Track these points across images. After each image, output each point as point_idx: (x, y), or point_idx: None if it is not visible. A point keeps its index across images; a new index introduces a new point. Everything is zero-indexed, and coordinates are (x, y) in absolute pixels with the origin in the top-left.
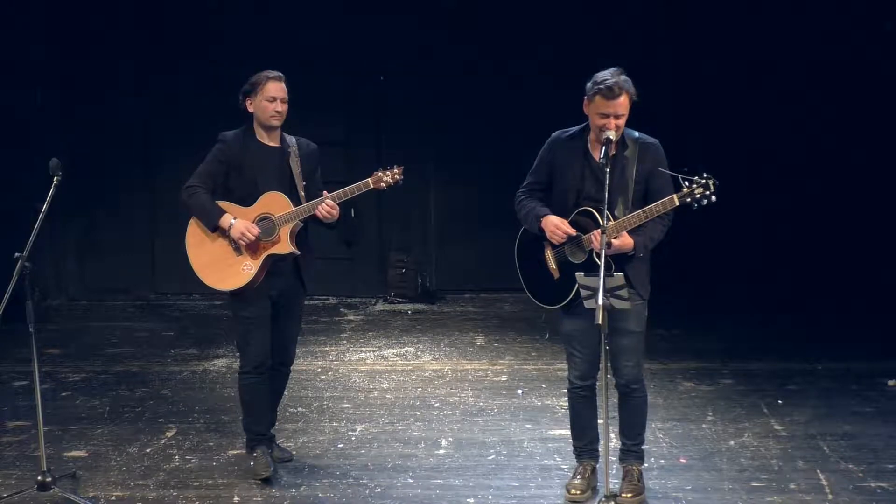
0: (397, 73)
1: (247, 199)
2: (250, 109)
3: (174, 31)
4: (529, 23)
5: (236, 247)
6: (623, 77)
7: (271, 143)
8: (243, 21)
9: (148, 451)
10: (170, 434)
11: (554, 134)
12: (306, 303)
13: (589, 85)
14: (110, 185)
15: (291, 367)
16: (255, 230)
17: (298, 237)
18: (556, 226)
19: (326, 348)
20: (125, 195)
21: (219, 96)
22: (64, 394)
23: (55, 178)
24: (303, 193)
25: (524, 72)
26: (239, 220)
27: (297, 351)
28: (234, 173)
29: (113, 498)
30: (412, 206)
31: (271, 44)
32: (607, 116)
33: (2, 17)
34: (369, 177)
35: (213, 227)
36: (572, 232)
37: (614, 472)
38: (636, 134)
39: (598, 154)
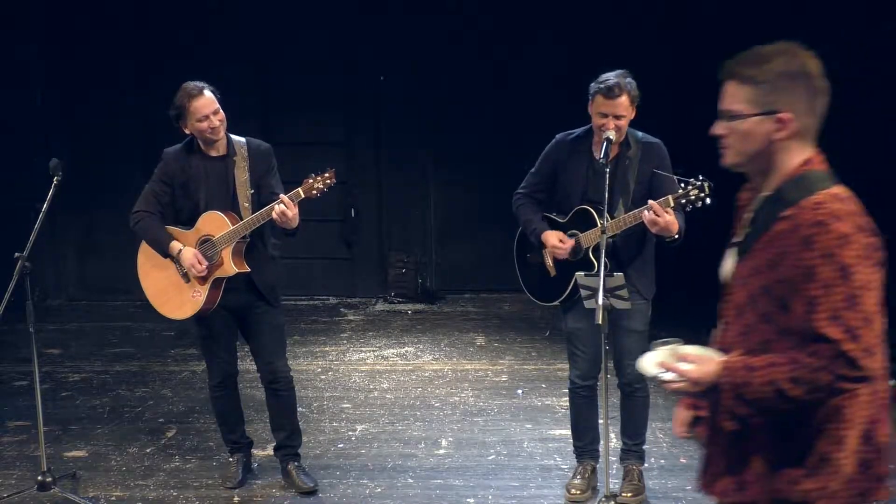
0: (397, 73)
1: (193, 220)
2: (188, 132)
3: (174, 30)
4: (529, 23)
5: (184, 273)
6: (627, 79)
7: (215, 153)
8: (244, 21)
9: (148, 451)
10: (170, 434)
11: (558, 136)
12: (307, 303)
13: (592, 85)
14: (110, 185)
15: (290, 384)
16: (204, 263)
17: (251, 247)
18: (555, 245)
19: (326, 348)
20: (125, 195)
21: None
22: (64, 394)
23: (55, 178)
24: (246, 205)
25: (524, 72)
26: (186, 249)
27: (297, 351)
28: (178, 192)
29: (113, 498)
30: (412, 206)
31: (271, 44)
32: (606, 116)
33: (1, 17)
34: (300, 185)
35: (165, 254)
36: (571, 244)
37: (614, 472)
38: (639, 134)
39: (599, 154)
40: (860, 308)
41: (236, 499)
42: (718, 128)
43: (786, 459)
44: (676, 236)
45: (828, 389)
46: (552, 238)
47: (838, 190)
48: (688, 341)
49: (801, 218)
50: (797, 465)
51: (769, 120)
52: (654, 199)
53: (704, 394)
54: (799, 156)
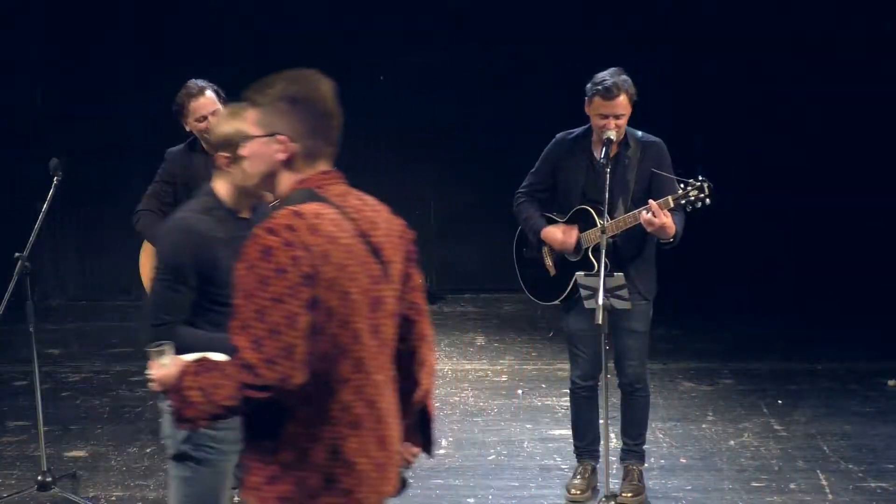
0: (397, 73)
1: None
2: (188, 129)
3: (174, 30)
4: (529, 23)
5: None
6: (622, 77)
7: None
8: (243, 20)
9: (148, 451)
10: None
11: (558, 135)
12: None
13: (588, 86)
14: (110, 185)
15: None
16: None
17: None
18: (562, 241)
19: None
20: (125, 195)
21: None
22: (64, 394)
23: (55, 178)
24: None
25: (524, 72)
26: None
27: None
28: (181, 192)
29: (113, 498)
30: (412, 206)
31: (271, 43)
32: (606, 117)
33: (1, 17)
34: None
35: None
36: (575, 233)
37: (614, 472)
38: (639, 133)
39: (600, 154)
40: (269, 319)
41: (236, 499)
42: (241, 150)
43: (259, 465)
44: (672, 239)
45: (240, 397)
46: (556, 233)
47: (310, 207)
48: (686, 342)
49: (253, 233)
50: (265, 471)
51: (272, 141)
52: (654, 200)
53: (167, 393)
54: (299, 177)
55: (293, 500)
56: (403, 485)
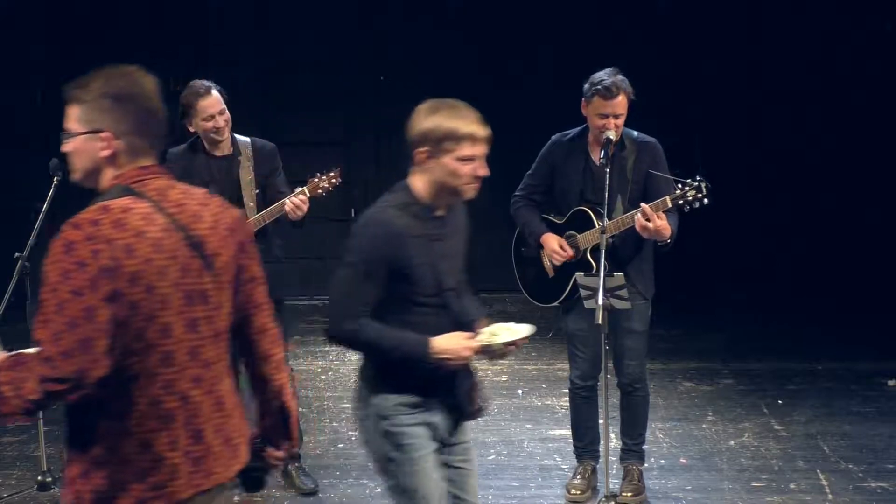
0: (397, 73)
1: None
2: (192, 130)
3: (175, 30)
4: (529, 23)
5: None
6: (620, 77)
7: (220, 153)
8: (244, 20)
9: None
10: None
11: (553, 137)
12: (307, 303)
13: (586, 86)
14: None
15: (294, 385)
16: None
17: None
18: (554, 250)
19: (326, 348)
20: None
21: None
22: None
23: (55, 178)
24: (252, 204)
25: (524, 72)
26: None
27: (297, 351)
28: None
29: None
30: None
31: (271, 44)
32: (606, 117)
33: (2, 17)
34: (306, 185)
35: None
36: (570, 254)
37: (614, 472)
38: (634, 133)
39: (598, 155)
40: (67, 312)
41: (236, 499)
42: (63, 146)
43: (74, 459)
44: (668, 241)
45: (41, 391)
46: (552, 242)
47: (119, 202)
48: (686, 342)
49: (60, 228)
50: (80, 465)
51: (95, 138)
52: (651, 200)
53: None
54: (118, 172)
55: (106, 493)
56: (258, 483)
